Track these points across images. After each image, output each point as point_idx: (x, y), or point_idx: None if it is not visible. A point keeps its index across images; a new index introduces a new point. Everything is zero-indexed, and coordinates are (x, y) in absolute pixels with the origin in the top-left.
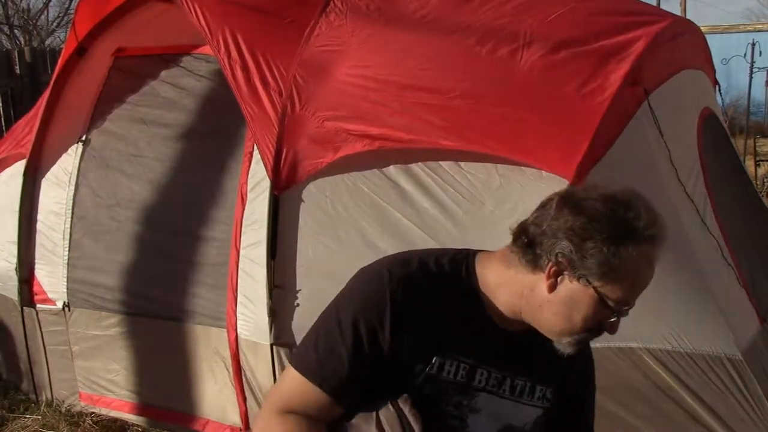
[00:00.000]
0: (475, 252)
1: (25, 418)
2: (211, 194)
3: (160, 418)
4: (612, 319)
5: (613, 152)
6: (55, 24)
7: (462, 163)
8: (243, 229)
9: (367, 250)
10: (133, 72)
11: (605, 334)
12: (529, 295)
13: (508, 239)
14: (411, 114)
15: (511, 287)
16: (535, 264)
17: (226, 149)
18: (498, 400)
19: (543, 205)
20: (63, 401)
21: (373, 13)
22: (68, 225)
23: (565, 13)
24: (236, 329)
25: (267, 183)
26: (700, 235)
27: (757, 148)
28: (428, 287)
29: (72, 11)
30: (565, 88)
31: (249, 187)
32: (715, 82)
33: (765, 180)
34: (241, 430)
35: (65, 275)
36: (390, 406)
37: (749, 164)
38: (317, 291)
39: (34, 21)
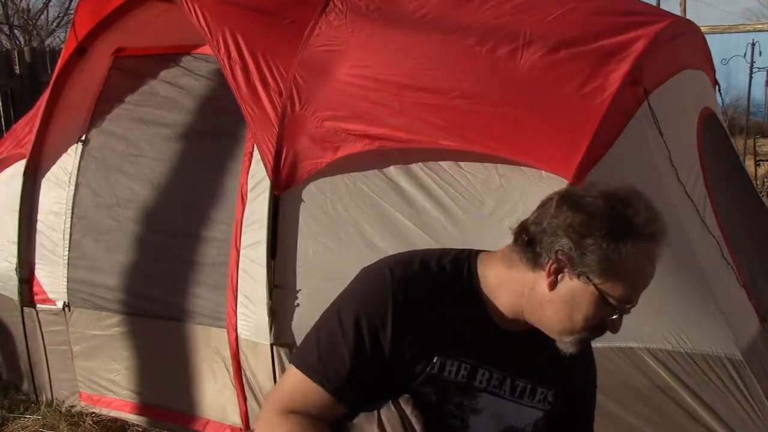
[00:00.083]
0: (476, 252)
1: (26, 418)
2: (211, 194)
3: (161, 418)
4: (614, 318)
5: (613, 152)
6: (55, 24)
7: (462, 163)
8: (243, 229)
9: (367, 250)
10: (133, 72)
11: (606, 334)
12: (530, 294)
13: (508, 239)
14: (411, 114)
15: (512, 287)
16: (535, 262)
17: (226, 149)
18: (499, 400)
19: (543, 204)
20: (63, 401)
21: (373, 13)
22: (68, 225)
23: (565, 13)
24: (236, 329)
25: (267, 183)
26: (700, 235)
27: (757, 148)
28: (430, 287)
29: (72, 11)
30: (565, 88)
31: (249, 187)
32: (715, 82)
33: (765, 180)
34: (241, 430)
35: (65, 275)
36: (392, 407)
37: (749, 164)
38: (317, 291)
39: (34, 21)
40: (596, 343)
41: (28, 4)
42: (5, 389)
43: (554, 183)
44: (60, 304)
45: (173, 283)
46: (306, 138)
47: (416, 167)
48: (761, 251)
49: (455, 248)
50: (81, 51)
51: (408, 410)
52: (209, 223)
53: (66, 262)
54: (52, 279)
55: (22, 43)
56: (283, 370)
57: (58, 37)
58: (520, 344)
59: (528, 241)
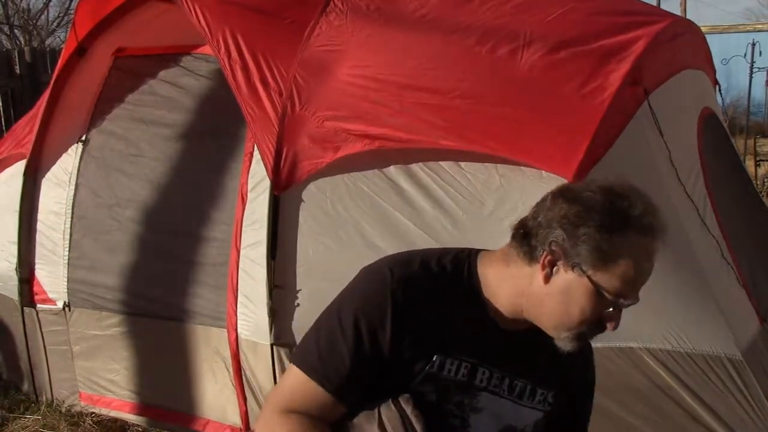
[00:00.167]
0: (477, 251)
1: (26, 418)
2: (211, 194)
3: (160, 418)
4: (610, 313)
5: (613, 152)
6: (55, 24)
7: (462, 163)
8: (243, 229)
9: (367, 250)
10: (133, 72)
11: (605, 334)
12: (528, 290)
13: (508, 239)
14: (411, 114)
15: (511, 284)
16: (531, 256)
17: (227, 149)
18: (499, 400)
19: (542, 200)
20: (63, 401)
21: (373, 13)
22: (68, 225)
23: (565, 13)
24: (236, 329)
25: (267, 183)
26: (700, 235)
27: (757, 148)
28: (429, 287)
29: (72, 11)
30: (565, 88)
31: (249, 187)
32: (715, 82)
33: (765, 180)
34: (241, 430)
35: (65, 275)
36: (392, 406)
37: (749, 164)
38: (317, 291)
39: (34, 21)
40: (596, 343)
41: (28, 4)
42: (5, 389)
43: (554, 183)
44: (60, 304)
45: (173, 283)
46: (306, 138)
47: (416, 167)
48: (761, 251)
49: (455, 248)
50: (81, 51)
51: (408, 410)
52: (209, 223)
53: (66, 262)
54: (52, 279)
55: (23, 43)
56: (283, 370)
57: (58, 37)
58: (520, 344)
59: (524, 234)
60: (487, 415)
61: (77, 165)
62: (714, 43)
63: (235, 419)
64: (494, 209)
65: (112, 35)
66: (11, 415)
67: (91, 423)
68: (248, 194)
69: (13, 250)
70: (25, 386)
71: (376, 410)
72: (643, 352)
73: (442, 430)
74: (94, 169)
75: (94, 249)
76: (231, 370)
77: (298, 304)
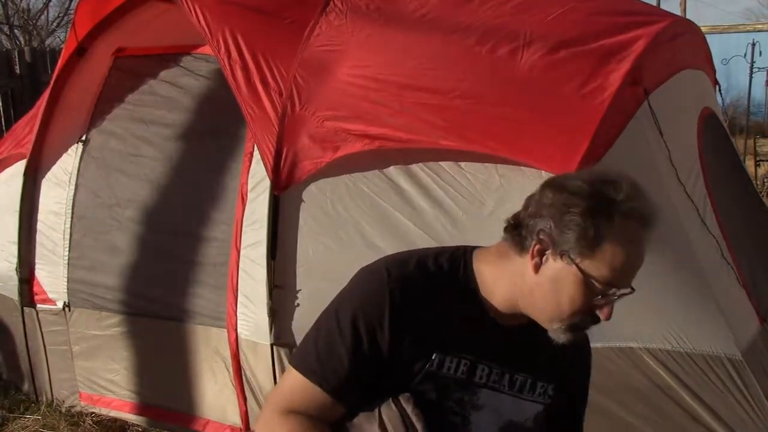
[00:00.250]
0: (472, 249)
1: (26, 418)
2: (211, 194)
3: (160, 418)
4: (601, 302)
5: (613, 152)
6: (55, 24)
7: (462, 163)
8: (243, 229)
9: (367, 250)
10: (133, 72)
11: (605, 334)
12: (521, 281)
13: None
14: (411, 114)
15: (505, 278)
16: (522, 247)
17: (227, 149)
18: (500, 396)
19: (533, 193)
20: (63, 401)
21: (373, 13)
22: (68, 225)
23: (565, 13)
24: (236, 329)
25: (267, 183)
26: (700, 235)
27: (757, 148)
28: (426, 286)
29: (72, 11)
30: (565, 88)
31: (249, 187)
32: (715, 82)
33: (765, 180)
34: (241, 430)
35: (65, 275)
36: (392, 405)
37: (749, 164)
38: (317, 291)
39: (34, 21)
40: (596, 344)
41: (28, 4)
42: (5, 389)
43: None
44: (60, 304)
45: (173, 283)
46: (306, 138)
47: (416, 167)
48: (761, 251)
49: (452, 246)
50: (81, 51)
51: (409, 409)
52: (209, 223)
53: (66, 262)
54: (52, 279)
55: (22, 43)
56: (283, 370)
57: (58, 37)
58: (518, 339)
59: (515, 226)
60: (488, 411)
61: (77, 165)
62: (714, 43)
63: (235, 419)
64: (494, 209)
65: (112, 35)
66: (11, 415)
67: (91, 423)
68: (248, 194)
69: (13, 250)
70: (25, 386)
71: (376, 410)
72: (643, 352)
73: (443, 429)
74: (94, 169)
75: (94, 249)
76: (231, 370)
77: (298, 304)
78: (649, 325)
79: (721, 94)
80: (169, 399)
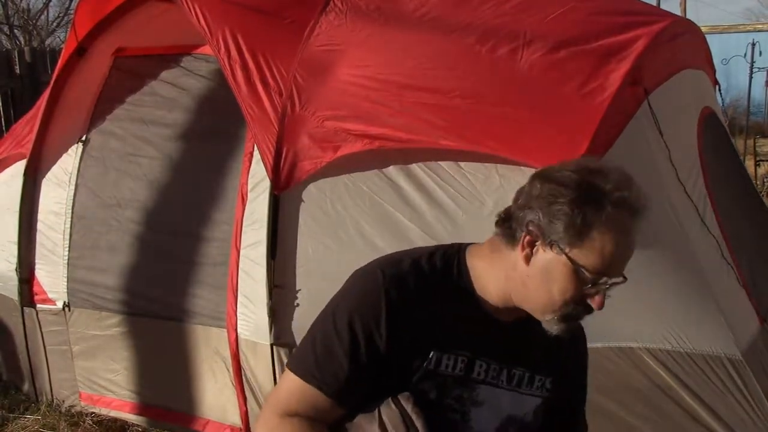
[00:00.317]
0: (466, 245)
1: (25, 418)
2: (211, 194)
3: (160, 418)
4: (592, 291)
5: (613, 152)
6: (55, 24)
7: (462, 163)
8: (243, 229)
9: (367, 250)
10: (133, 72)
11: (605, 334)
12: (513, 274)
13: None
14: (411, 114)
15: (498, 272)
16: (513, 239)
17: (227, 149)
18: (498, 391)
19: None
20: (63, 401)
21: (373, 13)
22: (68, 225)
23: (565, 13)
24: (236, 329)
25: (267, 183)
26: (700, 235)
27: (757, 148)
28: (421, 285)
29: (72, 11)
30: (565, 88)
31: (249, 187)
32: (715, 82)
33: (765, 180)
34: (241, 430)
35: (65, 275)
36: (392, 405)
37: (749, 164)
38: (317, 291)
39: (34, 21)
40: (596, 344)
41: (28, 4)
42: (5, 389)
43: None
44: (60, 304)
45: (173, 283)
46: (306, 138)
47: (416, 167)
48: (761, 251)
49: (445, 244)
50: (81, 51)
51: (408, 408)
52: (209, 223)
53: (66, 262)
54: (52, 279)
55: (22, 43)
56: (283, 370)
57: (58, 37)
58: (514, 334)
59: (505, 219)
60: (487, 408)
61: (77, 165)
62: (714, 43)
63: (235, 419)
64: (494, 209)
65: (112, 35)
66: (11, 415)
67: (91, 423)
68: (248, 194)
69: (13, 250)
70: (25, 386)
71: (375, 410)
72: (643, 352)
73: (443, 426)
74: (94, 169)
75: (94, 249)
76: (231, 370)
77: (298, 304)
78: (649, 325)
79: (721, 94)
80: (169, 399)
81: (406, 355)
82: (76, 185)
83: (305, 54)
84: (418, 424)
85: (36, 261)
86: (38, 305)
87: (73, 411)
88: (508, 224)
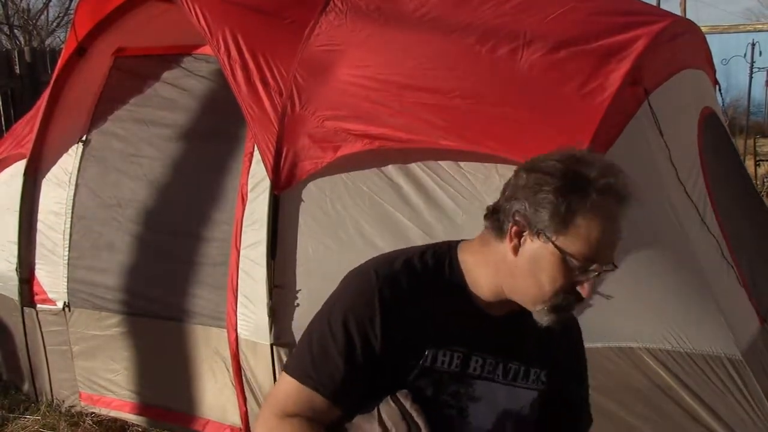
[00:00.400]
0: (457, 242)
1: (25, 418)
2: (211, 194)
3: (160, 418)
4: (581, 279)
5: (613, 152)
6: (55, 24)
7: (461, 163)
8: (243, 229)
9: (367, 250)
10: (133, 72)
11: (605, 334)
12: (503, 266)
13: None
14: (411, 114)
15: (488, 265)
16: (501, 231)
17: (227, 149)
18: (495, 386)
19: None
20: (63, 401)
21: (373, 13)
22: (68, 225)
23: (565, 13)
24: (236, 329)
25: (267, 183)
26: (700, 235)
27: (757, 148)
28: (414, 284)
29: (72, 11)
30: (565, 88)
31: (249, 187)
32: (715, 82)
33: (765, 180)
34: (241, 430)
35: (65, 275)
36: (391, 402)
37: (749, 164)
38: (317, 291)
39: (34, 21)
40: (596, 344)
41: (28, 4)
42: (5, 389)
43: None
44: (60, 304)
45: (173, 283)
46: (306, 138)
47: (416, 167)
48: (761, 251)
49: (437, 242)
50: (81, 51)
51: (407, 404)
52: (209, 223)
53: (66, 262)
54: (52, 279)
55: (22, 43)
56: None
57: (58, 37)
58: (507, 328)
59: (493, 211)
60: (485, 403)
61: (77, 165)
62: (714, 43)
63: (235, 419)
64: None
65: (112, 35)
66: (11, 415)
67: (91, 423)
68: (248, 194)
69: (13, 250)
70: (25, 386)
71: (374, 409)
72: (643, 352)
73: (440, 423)
74: (94, 170)
75: (94, 249)
76: (231, 370)
77: (298, 304)
78: (649, 325)
79: (721, 94)
80: (169, 399)
81: (402, 354)
82: (77, 185)
83: (305, 54)
84: (419, 420)
85: (36, 261)
86: (38, 305)
87: (73, 411)
88: (496, 217)
